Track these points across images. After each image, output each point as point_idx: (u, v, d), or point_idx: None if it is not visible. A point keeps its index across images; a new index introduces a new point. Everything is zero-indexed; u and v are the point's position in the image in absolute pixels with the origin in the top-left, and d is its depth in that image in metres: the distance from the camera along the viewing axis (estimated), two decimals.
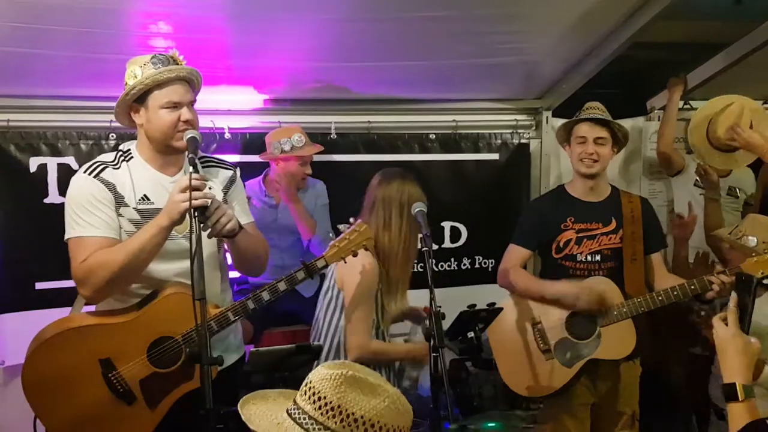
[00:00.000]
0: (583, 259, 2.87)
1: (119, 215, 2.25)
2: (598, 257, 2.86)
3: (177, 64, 2.28)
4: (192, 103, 2.29)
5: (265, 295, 2.27)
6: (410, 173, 2.81)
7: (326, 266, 2.37)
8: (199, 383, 2.13)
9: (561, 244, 2.89)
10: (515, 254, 3.00)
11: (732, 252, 3.03)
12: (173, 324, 2.24)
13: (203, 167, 2.40)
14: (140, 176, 2.29)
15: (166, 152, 2.30)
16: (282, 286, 2.28)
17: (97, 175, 2.24)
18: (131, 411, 2.28)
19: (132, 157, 2.32)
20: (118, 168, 2.28)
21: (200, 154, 2.44)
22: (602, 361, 2.81)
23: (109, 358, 2.27)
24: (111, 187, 2.24)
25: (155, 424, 2.29)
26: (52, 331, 2.32)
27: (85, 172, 2.26)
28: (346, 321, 2.59)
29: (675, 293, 2.69)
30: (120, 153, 2.33)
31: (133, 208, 2.26)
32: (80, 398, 2.26)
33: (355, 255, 2.39)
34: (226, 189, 2.42)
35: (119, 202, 2.24)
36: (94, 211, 2.22)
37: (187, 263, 2.10)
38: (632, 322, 2.77)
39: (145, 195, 2.27)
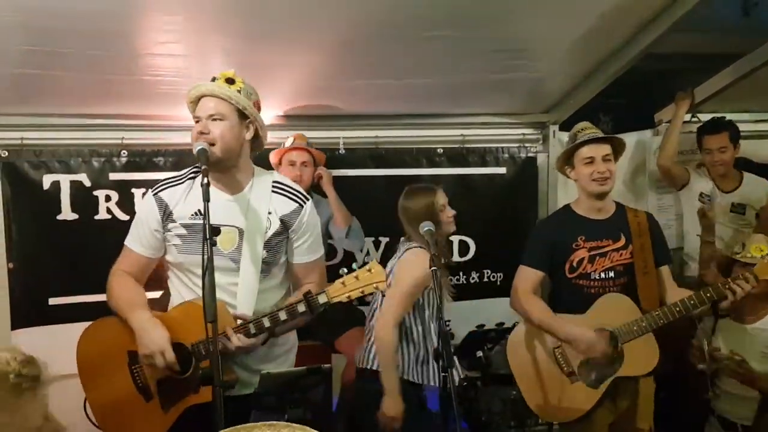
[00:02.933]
0: (597, 277, 2.86)
1: (167, 230, 2.41)
2: (611, 273, 2.86)
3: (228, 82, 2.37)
4: (213, 116, 2.32)
5: (266, 322, 2.27)
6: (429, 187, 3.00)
7: (327, 303, 2.25)
8: (204, 398, 2.22)
9: (574, 264, 2.88)
10: (527, 277, 2.95)
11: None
12: (187, 332, 2.30)
13: (272, 191, 2.44)
14: (199, 193, 2.31)
15: (217, 169, 2.34)
16: (282, 315, 2.26)
17: (157, 193, 2.43)
18: (148, 408, 2.37)
19: (200, 172, 2.40)
20: (180, 184, 2.43)
21: (276, 177, 2.53)
22: (622, 379, 2.80)
23: (135, 351, 2.37)
24: (162, 205, 2.40)
25: (166, 427, 2.35)
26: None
27: (152, 188, 2.47)
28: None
29: (692, 302, 2.69)
30: (193, 168, 2.43)
31: (181, 223, 2.38)
32: (113, 383, 2.41)
33: (364, 296, 2.29)
34: (285, 220, 2.42)
35: (168, 218, 2.40)
36: (139, 227, 2.46)
37: (227, 278, 2.31)
38: (653, 335, 2.76)
39: (198, 210, 2.36)
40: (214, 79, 2.36)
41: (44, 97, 3.30)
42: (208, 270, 2.02)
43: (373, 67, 3.36)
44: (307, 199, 2.50)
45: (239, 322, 2.30)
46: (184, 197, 2.40)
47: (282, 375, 2.17)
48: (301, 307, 2.25)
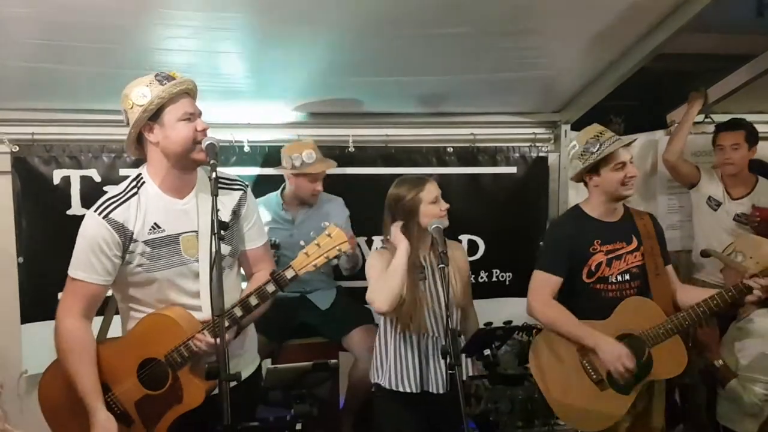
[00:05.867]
0: (614, 280, 2.83)
1: (129, 252, 2.26)
2: (627, 276, 2.83)
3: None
4: (201, 114, 2.30)
5: (238, 311, 2.24)
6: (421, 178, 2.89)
7: (296, 277, 2.23)
8: (190, 405, 2.24)
9: (593, 268, 2.83)
10: (545, 283, 2.86)
11: (726, 271, 3.14)
12: (155, 345, 2.26)
13: None
14: (150, 204, 2.29)
15: (183, 168, 2.30)
16: (253, 300, 2.24)
17: (107, 215, 2.24)
18: None
19: (144, 182, 2.31)
20: (127, 200, 2.28)
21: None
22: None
23: (105, 381, 2.30)
24: (120, 228, 2.24)
25: None
26: None
27: (96, 211, 2.26)
28: None
29: (715, 302, 2.68)
30: (132, 181, 2.33)
31: (143, 241, 2.26)
32: (85, 419, 2.26)
33: (329, 260, 2.26)
34: (236, 210, 2.41)
35: (129, 240, 2.25)
36: (94, 256, 2.25)
37: (191, 285, 2.26)
38: (680, 337, 2.73)
39: (155, 224, 2.28)
40: (169, 78, 2.25)
41: (55, 91, 3.31)
42: (216, 264, 2.01)
43: (383, 64, 3.35)
44: (246, 185, 2.48)
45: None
46: (137, 213, 2.27)
47: (289, 370, 2.16)
48: (270, 287, 2.23)
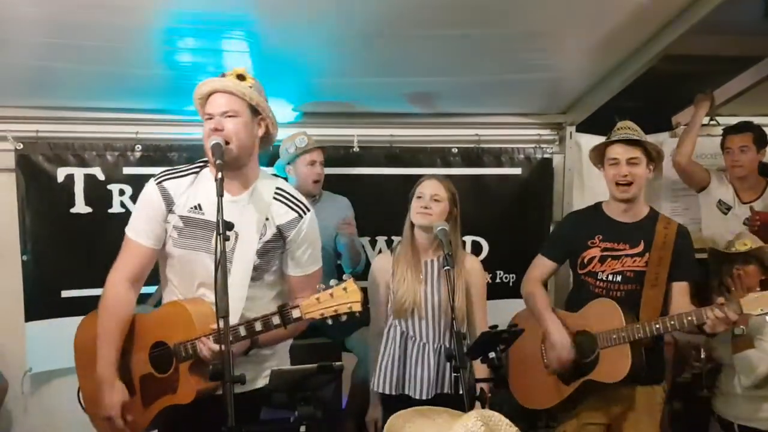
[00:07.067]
0: (604, 278, 2.86)
1: (166, 222, 2.37)
2: (618, 278, 2.84)
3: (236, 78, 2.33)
4: (227, 113, 2.27)
5: (242, 331, 2.23)
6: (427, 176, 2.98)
7: (300, 319, 2.17)
8: (181, 400, 2.28)
9: (585, 261, 2.91)
10: (540, 265, 3.08)
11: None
12: (170, 331, 2.31)
13: (274, 197, 2.40)
14: (201, 187, 2.36)
15: (228, 168, 2.27)
16: (258, 326, 2.22)
17: (160, 182, 2.38)
18: (132, 401, 2.37)
19: (206, 167, 2.41)
20: (184, 176, 2.40)
21: (280, 183, 2.47)
22: (615, 384, 2.78)
23: (126, 344, 2.39)
24: (167, 195, 2.36)
25: (146, 423, 2.38)
26: None
27: (155, 177, 2.41)
28: None
29: (672, 323, 2.67)
30: (199, 162, 2.43)
31: (179, 215, 2.35)
32: None
33: (338, 316, 2.14)
34: (282, 230, 2.38)
35: (170, 209, 2.36)
36: (144, 218, 2.40)
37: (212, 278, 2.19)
38: (628, 347, 2.73)
39: (198, 204, 2.35)
40: (223, 75, 2.31)
41: (60, 89, 3.32)
42: (220, 265, 1.99)
43: (389, 65, 3.34)
44: (308, 210, 2.43)
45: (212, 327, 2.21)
46: (187, 190, 2.37)
47: (293, 372, 2.14)
48: (276, 320, 2.20)
